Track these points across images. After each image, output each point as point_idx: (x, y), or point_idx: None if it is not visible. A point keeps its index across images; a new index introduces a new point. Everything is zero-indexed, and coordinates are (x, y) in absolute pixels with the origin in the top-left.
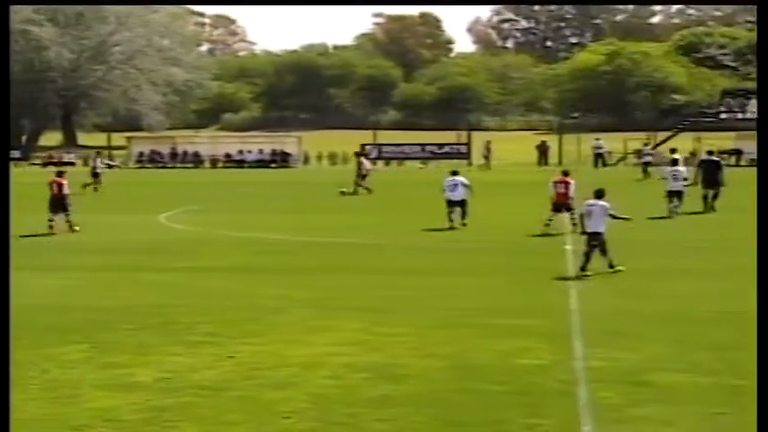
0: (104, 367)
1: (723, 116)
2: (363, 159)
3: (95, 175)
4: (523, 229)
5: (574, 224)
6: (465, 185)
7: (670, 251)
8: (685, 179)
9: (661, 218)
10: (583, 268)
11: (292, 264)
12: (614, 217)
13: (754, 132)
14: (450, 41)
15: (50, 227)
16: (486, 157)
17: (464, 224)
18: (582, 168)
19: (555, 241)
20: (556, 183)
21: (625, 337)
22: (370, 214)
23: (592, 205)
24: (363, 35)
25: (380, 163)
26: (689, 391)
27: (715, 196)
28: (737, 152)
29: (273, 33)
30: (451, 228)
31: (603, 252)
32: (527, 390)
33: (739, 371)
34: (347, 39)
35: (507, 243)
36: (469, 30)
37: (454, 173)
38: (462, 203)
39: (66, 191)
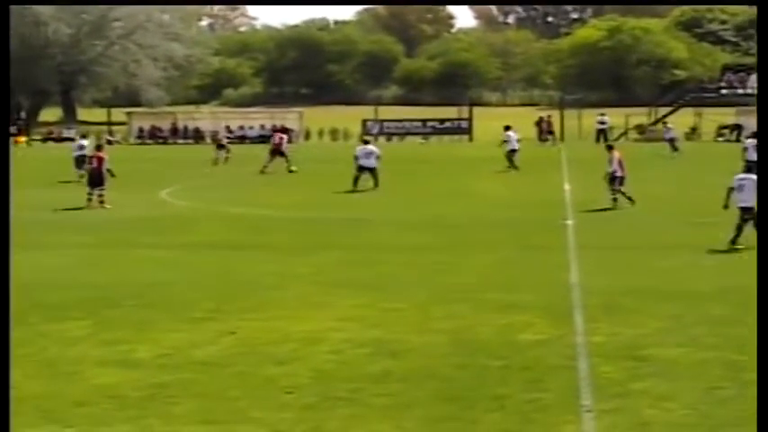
0: (105, 344)
1: (723, 91)
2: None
3: (221, 146)
4: (522, 203)
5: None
6: (377, 155)
7: (672, 226)
8: None
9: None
10: (733, 242)
11: (289, 240)
12: None
13: (754, 107)
14: (451, 17)
15: (89, 200)
16: (551, 132)
17: (375, 188)
18: (583, 144)
19: (555, 216)
20: (619, 159)
21: (624, 312)
22: (367, 191)
23: (743, 179)
24: (365, 10)
25: (382, 138)
26: (688, 366)
27: None
28: (738, 127)
29: (274, 8)
30: (354, 191)
31: (744, 228)
32: (527, 365)
33: (737, 345)
34: (348, 14)
35: (505, 218)
36: (471, 5)
37: (366, 142)
38: (373, 170)
39: (105, 165)
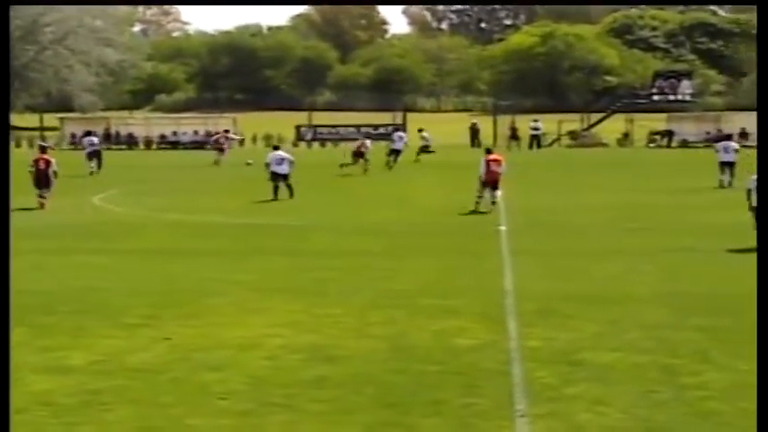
0: (40, 351)
1: (655, 98)
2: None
3: (221, 150)
4: (456, 209)
5: (493, 203)
6: (290, 161)
7: (606, 232)
8: (736, 151)
9: (715, 188)
10: None
11: (227, 246)
12: None
13: (685, 114)
14: (384, 23)
15: (41, 204)
16: (515, 138)
17: (291, 196)
18: (517, 150)
19: (488, 221)
20: (489, 161)
21: (559, 317)
22: (300, 196)
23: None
24: (298, 16)
25: (316, 144)
26: (623, 370)
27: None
28: (669, 133)
29: (207, 14)
30: (275, 199)
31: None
32: (463, 370)
33: (672, 349)
34: (282, 20)
35: (440, 224)
36: (404, 11)
37: (276, 147)
38: (286, 177)
39: (53, 168)
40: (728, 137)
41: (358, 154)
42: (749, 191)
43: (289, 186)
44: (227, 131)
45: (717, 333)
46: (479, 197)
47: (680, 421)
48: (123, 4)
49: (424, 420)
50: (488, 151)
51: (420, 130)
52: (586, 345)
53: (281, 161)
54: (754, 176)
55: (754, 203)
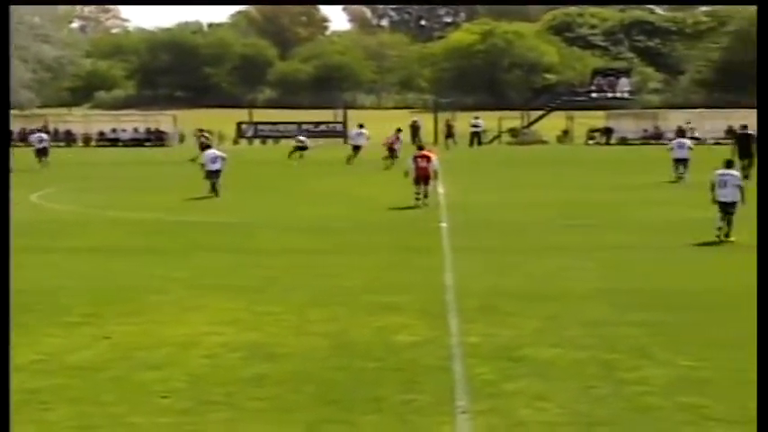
0: None
1: (594, 95)
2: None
3: (207, 146)
4: (397, 206)
5: (425, 196)
6: (223, 158)
7: (547, 229)
8: (690, 148)
9: (670, 182)
10: (727, 235)
11: (167, 244)
12: (741, 189)
13: (624, 111)
14: (325, 19)
15: None
16: (451, 136)
17: (217, 195)
18: (457, 147)
19: (429, 218)
20: (416, 157)
21: (500, 314)
22: (242, 193)
23: (724, 175)
24: (238, 13)
25: (257, 141)
26: (563, 366)
27: (749, 165)
28: (608, 130)
29: (147, 11)
30: (213, 196)
31: (730, 222)
32: (404, 366)
33: (611, 345)
34: (222, 17)
35: (381, 221)
36: (345, 8)
37: (208, 146)
38: (218, 173)
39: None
40: (682, 134)
41: (390, 149)
42: (713, 184)
43: (218, 184)
44: (201, 131)
45: (656, 329)
46: (417, 194)
47: (619, 416)
48: (99, 4)
49: (364, 417)
50: (420, 148)
51: (300, 133)
52: (527, 341)
53: (214, 159)
54: (718, 171)
55: (718, 198)
